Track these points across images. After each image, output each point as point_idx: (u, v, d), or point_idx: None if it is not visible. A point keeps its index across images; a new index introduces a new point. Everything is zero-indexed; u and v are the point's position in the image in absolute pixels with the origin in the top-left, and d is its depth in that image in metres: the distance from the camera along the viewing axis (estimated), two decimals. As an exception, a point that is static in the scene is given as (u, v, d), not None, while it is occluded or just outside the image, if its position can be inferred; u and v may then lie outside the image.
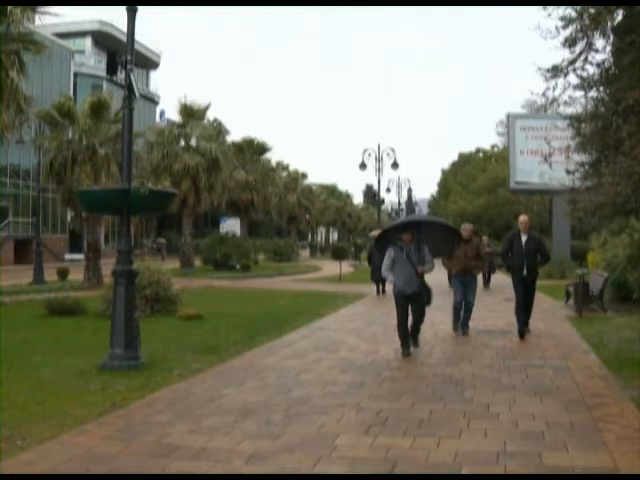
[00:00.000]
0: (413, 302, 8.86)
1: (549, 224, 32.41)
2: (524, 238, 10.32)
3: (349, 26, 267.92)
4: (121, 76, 8.48)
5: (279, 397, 6.48)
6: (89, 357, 8.26)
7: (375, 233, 25.64)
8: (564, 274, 23.92)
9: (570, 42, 8.76)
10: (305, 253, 61.77)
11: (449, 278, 10.05)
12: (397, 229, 9.20)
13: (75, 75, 49.57)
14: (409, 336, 8.93)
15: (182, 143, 32.71)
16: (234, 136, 45.73)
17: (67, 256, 43.77)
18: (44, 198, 32.08)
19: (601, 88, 9.15)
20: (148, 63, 59.51)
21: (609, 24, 8.51)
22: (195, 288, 19.66)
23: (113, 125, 21.94)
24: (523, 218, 10.56)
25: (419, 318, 9.01)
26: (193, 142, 32.63)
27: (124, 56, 8.32)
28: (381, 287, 19.78)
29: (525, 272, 10.20)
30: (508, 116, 29.34)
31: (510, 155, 29.23)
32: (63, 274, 23.63)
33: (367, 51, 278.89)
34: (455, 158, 68.26)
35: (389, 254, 8.86)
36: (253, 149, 44.03)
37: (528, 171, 27.96)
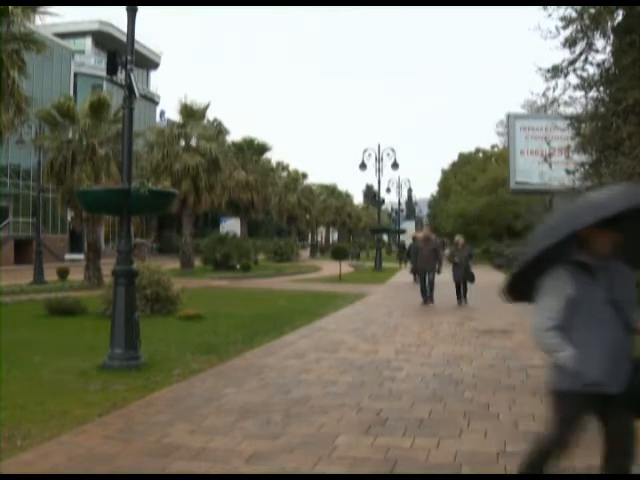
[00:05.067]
0: (612, 413, 3.41)
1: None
2: None
3: (349, 26, 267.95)
4: (121, 76, 8.47)
5: (279, 397, 6.47)
6: (89, 357, 8.26)
7: (417, 235, 24.59)
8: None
9: (570, 42, 8.79)
10: (305, 253, 61.75)
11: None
12: (591, 223, 3.02)
13: (75, 75, 49.64)
14: None
15: (182, 143, 32.73)
16: (234, 136, 45.94)
17: (67, 256, 43.77)
18: (44, 198, 32.06)
19: (601, 88, 9.16)
20: (148, 63, 59.56)
21: (609, 24, 8.53)
22: (195, 288, 19.64)
23: (113, 125, 21.97)
24: None
25: (626, 455, 3.41)
26: (193, 142, 32.66)
27: (124, 56, 8.32)
28: (418, 277, 18.82)
29: None
30: (508, 116, 29.32)
31: (510, 155, 29.19)
32: (63, 274, 23.63)
33: (367, 51, 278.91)
34: (455, 158, 68.19)
35: (559, 289, 3.24)
36: (253, 149, 44.07)
37: (528, 171, 27.92)
